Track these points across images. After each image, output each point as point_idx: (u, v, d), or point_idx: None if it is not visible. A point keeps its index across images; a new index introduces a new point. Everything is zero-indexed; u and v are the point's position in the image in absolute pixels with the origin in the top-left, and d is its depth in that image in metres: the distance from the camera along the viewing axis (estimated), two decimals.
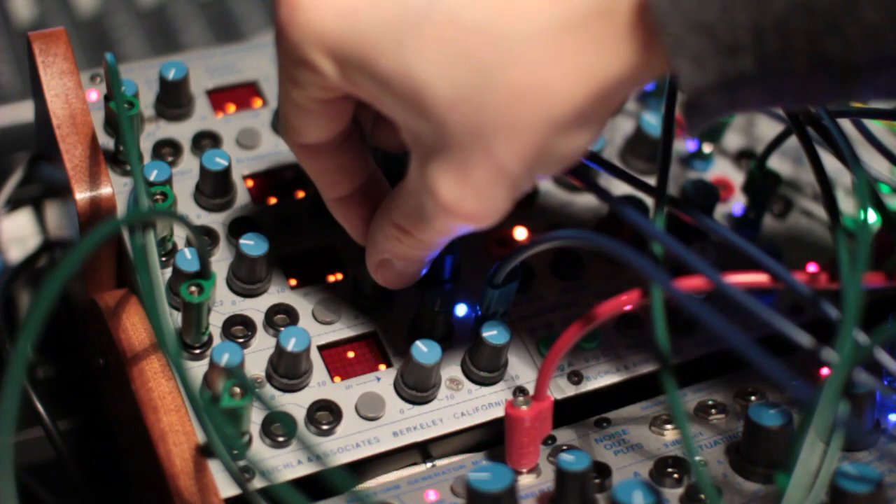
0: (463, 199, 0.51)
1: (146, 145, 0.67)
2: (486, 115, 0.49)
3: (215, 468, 0.57)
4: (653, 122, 0.70)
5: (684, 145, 0.72)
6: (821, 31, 0.46)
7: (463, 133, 0.50)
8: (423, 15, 0.49)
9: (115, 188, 0.64)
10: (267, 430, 0.59)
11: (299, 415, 0.60)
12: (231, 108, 0.70)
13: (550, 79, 0.48)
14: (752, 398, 0.63)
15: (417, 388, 0.61)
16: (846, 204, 0.70)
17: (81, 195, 0.63)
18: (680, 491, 0.58)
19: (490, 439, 0.62)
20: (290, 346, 0.59)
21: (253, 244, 0.62)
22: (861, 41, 0.46)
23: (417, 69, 0.49)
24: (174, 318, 0.61)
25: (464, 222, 0.53)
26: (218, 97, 0.70)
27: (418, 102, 0.50)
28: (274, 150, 0.68)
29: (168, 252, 0.63)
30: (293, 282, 0.64)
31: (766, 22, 0.46)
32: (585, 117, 0.50)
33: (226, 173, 0.65)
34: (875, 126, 0.69)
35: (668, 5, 0.47)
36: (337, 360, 0.62)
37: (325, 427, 0.59)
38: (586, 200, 0.69)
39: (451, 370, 0.62)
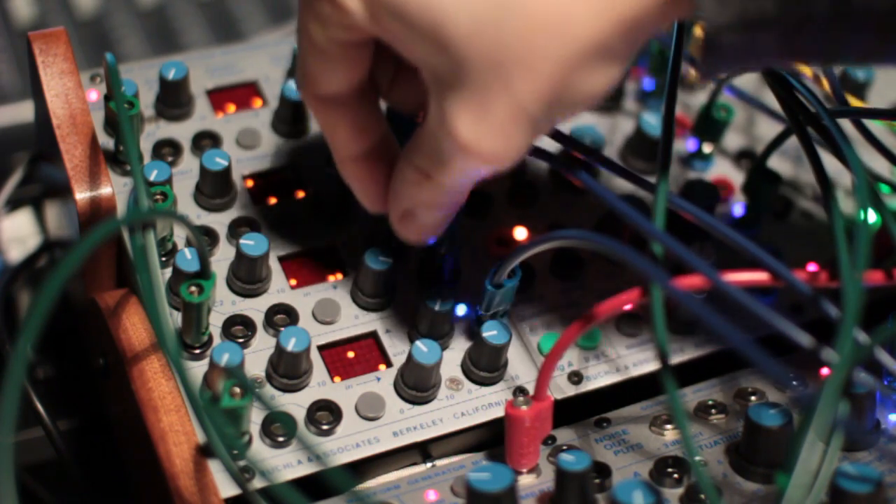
0: (481, 137, 0.51)
1: (146, 145, 0.67)
2: (506, 48, 0.49)
3: (215, 468, 0.57)
4: (653, 122, 0.70)
5: (684, 145, 0.72)
6: None
7: (482, 67, 0.49)
8: None
9: (115, 188, 0.64)
10: (267, 430, 0.59)
11: (299, 415, 0.60)
12: (231, 108, 0.70)
13: (571, 10, 0.48)
14: (752, 398, 0.62)
15: (417, 388, 0.61)
16: (846, 204, 0.70)
17: (81, 195, 0.63)
18: (680, 491, 0.58)
19: (490, 439, 0.62)
20: (290, 346, 0.59)
21: (253, 244, 0.62)
22: None
23: (441, 2, 0.49)
24: (174, 318, 0.61)
25: (482, 162, 0.52)
26: (218, 97, 0.70)
27: (439, 36, 0.49)
28: (274, 150, 0.68)
29: (168, 252, 0.63)
30: (293, 282, 0.64)
31: None
32: (607, 53, 0.49)
33: (226, 173, 0.65)
34: (875, 126, 0.69)
35: None
36: (337, 360, 0.62)
37: (325, 427, 0.59)
38: (586, 200, 0.69)
39: (451, 370, 0.62)
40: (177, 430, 0.58)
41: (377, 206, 0.59)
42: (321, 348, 0.62)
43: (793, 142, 0.68)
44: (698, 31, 0.59)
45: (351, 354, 0.62)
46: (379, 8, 0.50)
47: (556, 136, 0.63)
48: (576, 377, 0.63)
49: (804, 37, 0.48)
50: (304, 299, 0.63)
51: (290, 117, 0.68)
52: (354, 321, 0.63)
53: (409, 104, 0.58)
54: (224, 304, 0.63)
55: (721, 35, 0.48)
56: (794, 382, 0.49)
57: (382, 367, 0.62)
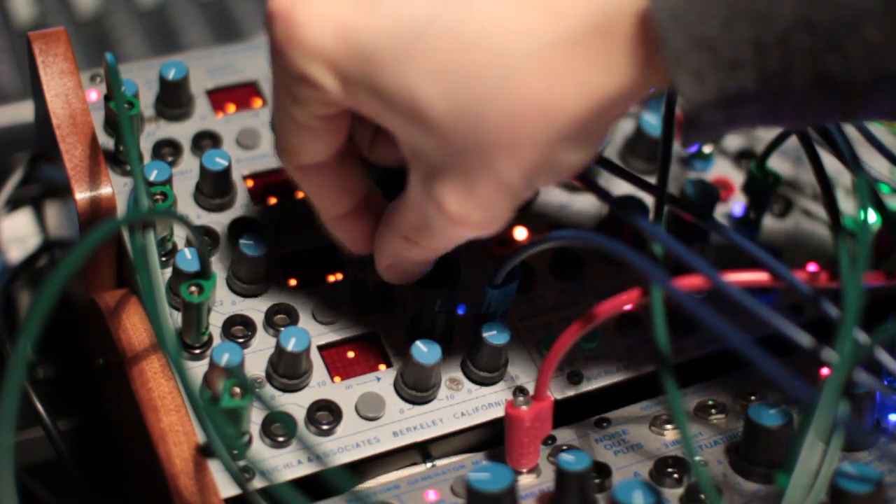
0: (469, 211, 0.52)
1: (146, 145, 0.67)
2: (487, 132, 0.49)
3: (215, 468, 0.57)
4: (653, 122, 0.70)
5: None
6: (822, 49, 0.46)
7: (465, 150, 0.50)
8: (422, 31, 0.49)
9: (115, 188, 0.64)
10: (267, 430, 0.59)
11: (299, 415, 0.60)
12: (231, 108, 0.70)
13: (550, 96, 0.49)
14: (752, 398, 0.62)
15: (417, 388, 0.61)
16: (846, 204, 0.70)
17: (81, 195, 0.63)
18: (680, 491, 0.58)
19: (490, 439, 0.62)
20: (290, 346, 0.59)
21: (253, 244, 0.62)
22: (862, 60, 0.46)
23: (418, 86, 0.49)
24: (174, 318, 0.61)
25: (470, 232, 0.53)
26: (218, 97, 0.70)
27: (419, 119, 0.50)
28: (274, 150, 0.68)
29: (168, 252, 0.63)
30: (293, 282, 0.64)
31: (767, 38, 0.46)
32: (585, 132, 0.50)
33: (226, 173, 0.65)
34: (875, 126, 0.69)
35: (670, 20, 0.46)
36: (337, 360, 0.62)
37: (325, 427, 0.59)
38: (586, 200, 0.69)
39: (451, 370, 0.62)
40: (177, 430, 0.58)
41: (366, 251, 0.60)
42: (321, 348, 0.62)
43: (793, 142, 0.68)
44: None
45: (351, 354, 0.62)
46: (356, 87, 0.51)
47: None
48: (576, 377, 0.63)
49: (784, 106, 0.48)
50: (304, 299, 0.63)
51: None
52: (354, 321, 0.63)
53: (389, 161, 0.58)
54: (224, 304, 0.63)
55: (701, 112, 0.48)
56: (794, 382, 0.49)
57: (382, 367, 0.62)
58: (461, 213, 0.52)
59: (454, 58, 0.49)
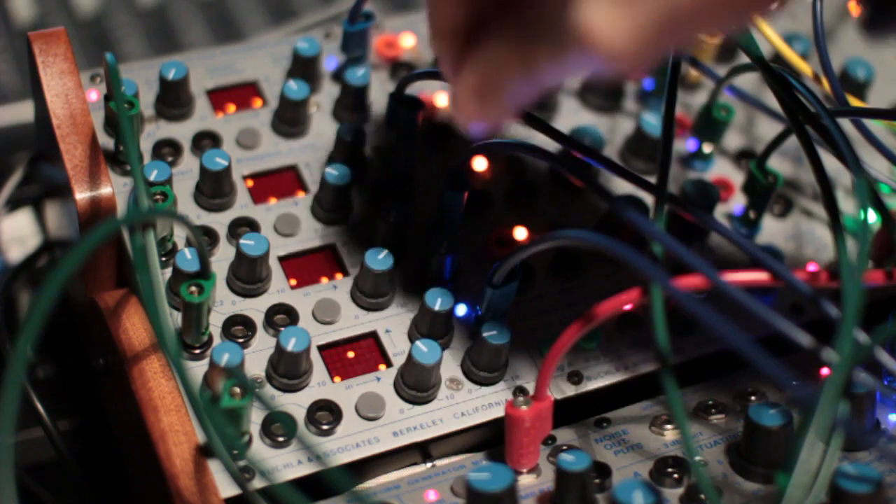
0: (614, 30, 0.42)
1: (146, 145, 0.67)
2: None
3: (215, 468, 0.57)
4: (653, 122, 0.70)
5: (684, 145, 0.72)
6: None
7: None
8: None
9: (115, 188, 0.64)
10: (267, 430, 0.59)
11: (299, 415, 0.60)
12: (231, 108, 0.70)
13: None
14: (752, 398, 0.63)
15: (417, 388, 0.61)
16: (846, 204, 0.70)
17: (81, 195, 0.63)
18: (680, 491, 0.58)
19: (490, 439, 0.62)
20: (290, 346, 0.59)
21: (253, 244, 0.62)
22: None
23: None
24: (174, 318, 0.61)
25: (599, 60, 0.43)
26: (218, 97, 0.70)
27: None
28: (274, 150, 0.68)
29: (168, 252, 0.63)
30: (293, 282, 0.64)
31: None
32: None
33: (226, 173, 0.65)
34: (875, 126, 0.69)
35: None
36: (337, 360, 0.62)
37: (325, 427, 0.59)
38: (586, 200, 0.69)
39: (451, 370, 0.62)
40: (177, 430, 0.58)
41: (458, 82, 0.51)
42: (321, 348, 0.62)
43: (793, 142, 0.68)
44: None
45: (351, 354, 0.62)
46: None
47: (556, 136, 0.63)
48: (576, 377, 0.63)
49: None
50: (304, 299, 0.63)
51: (290, 117, 0.68)
52: (354, 321, 0.63)
53: None
54: (224, 304, 0.63)
55: None
56: (794, 382, 0.49)
57: (382, 367, 0.62)
58: (605, 29, 0.42)
59: None
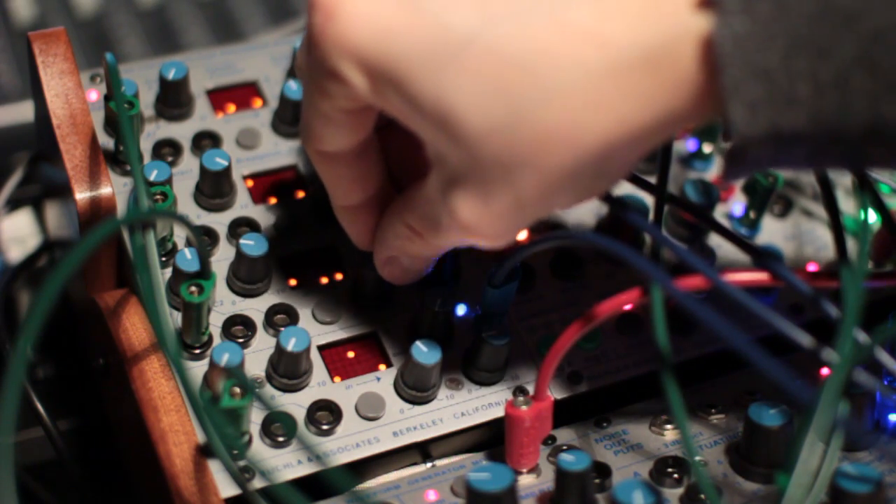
0: (481, 222, 0.52)
1: (146, 145, 0.67)
2: (517, 151, 0.49)
3: (215, 468, 0.57)
4: None
5: (684, 145, 0.72)
6: (880, 91, 0.45)
7: (491, 164, 0.50)
8: (465, 44, 0.48)
9: (115, 188, 0.64)
10: (267, 430, 0.59)
11: (299, 415, 0.60)
12: (231, 108, 0.70)
13: (587, 123, 0.48)
14: (753, 398, 0.62)
15: (417, 388, 0.61)
16: (846, 204, 0.70)
17: (81, 195, 0.63)
18: (680, 491, 0.58)
19: (490, 439, 0.62)
20: (290, 346, 0.59)
21: (253, 244, 0.62)
22: None
23: (452, 97, 0.49)
24: (174, 318, 0.61)
25: (477, 241, 0.53)
26: (218, 97, 0.70)
27: (449, 129, 0.50)
28: (274, 150, 0.68)
29: (168, 252, 0.63)
30: (293, 282, 0.64)
31: (826, 76, 0.45)
32: (613, 160, 0.50)
33: (226, 173, 0.65)
34: None
35: (732, 46, 0.45)
36: (337, 360, 0.62)
37: (325, 427, 0.59)
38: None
39: (451, 370, 0.62)
40: (177, 430, 0.58)
41: (368, 247, 0.60)
42: (321, 348, 0.62)
43: None
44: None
45: (351, 354, 0.62)
46: (386, 89, 0.50)
47: None
48: (576, 377, 0.63)
49: (835, 151, 0.47)
50: (304, 299, 0.63)
51: (290, 117, 0.68)
52: (354, 321, 0.63)
53: (413, 163, 0.58)
54: (224, 304, 0.63)
55: (749, 147, 0.47)
56: (794, 382, 0.49)
57: (382, 367, 0.62)
58: (473, 223, 0.52)
59: (494, 75, 0.48)
